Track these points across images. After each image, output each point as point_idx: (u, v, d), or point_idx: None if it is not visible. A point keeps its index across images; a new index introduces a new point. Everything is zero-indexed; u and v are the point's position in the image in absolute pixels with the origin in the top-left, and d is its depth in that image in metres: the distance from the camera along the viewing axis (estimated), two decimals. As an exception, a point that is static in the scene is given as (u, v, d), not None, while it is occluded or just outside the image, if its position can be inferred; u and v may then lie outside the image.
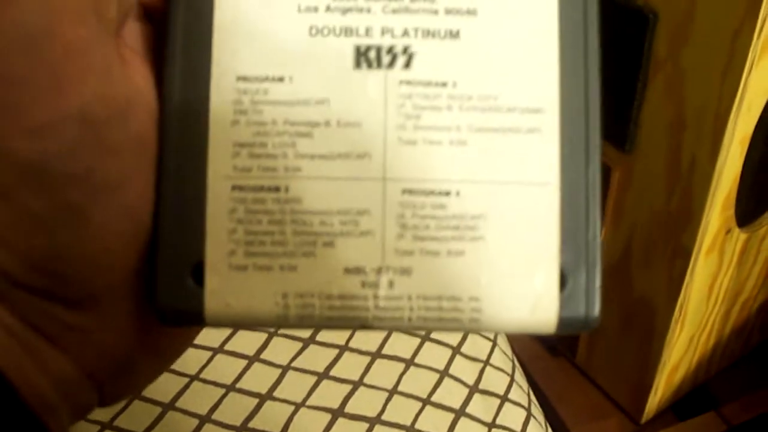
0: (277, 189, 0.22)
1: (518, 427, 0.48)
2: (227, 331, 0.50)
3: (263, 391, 0.47)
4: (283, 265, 0.22)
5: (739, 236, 0.93)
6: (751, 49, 0.72)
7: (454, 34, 0.23)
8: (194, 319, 0.23)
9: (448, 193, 0.22)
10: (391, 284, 0.22)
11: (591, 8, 0.23)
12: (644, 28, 0.80)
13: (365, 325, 0.22)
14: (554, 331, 0.22)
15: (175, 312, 0.22)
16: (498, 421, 0.47)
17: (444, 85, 0.23)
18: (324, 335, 0.50)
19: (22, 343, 0.21)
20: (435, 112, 0.22)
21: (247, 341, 0.50)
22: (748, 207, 0.93)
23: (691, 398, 1.11)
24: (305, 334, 0.51)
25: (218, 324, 0.23)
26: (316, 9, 0.23)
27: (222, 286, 0.22)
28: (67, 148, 0.20)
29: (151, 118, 0.22)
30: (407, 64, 0.23)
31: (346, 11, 0.23)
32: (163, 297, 0.22)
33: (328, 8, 0.23)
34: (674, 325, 0.95)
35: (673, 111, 0.82)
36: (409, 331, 0.22)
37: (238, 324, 0.23)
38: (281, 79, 0.23)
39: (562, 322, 0.22)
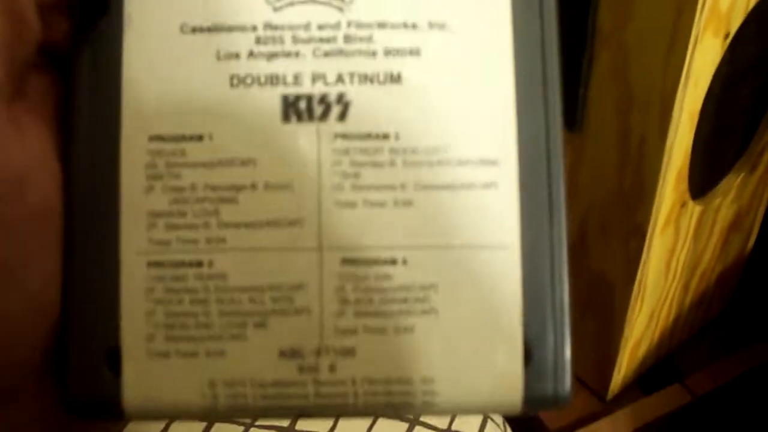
0: (199, 264, 0.20)
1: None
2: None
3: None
4: (210, 351, 0.20)
5: (694, 209, 0.92)
6: (695, 25, 0.70)
7: (395, 78, 0.20)
8: (111, 412, 0.20)
9: (393, 262, 0.20)
10: (332, 368, 0.20)
11: (549, 34, 0.20)
12: (588, 3, 0.78)
13: (304, 414, 0.20)
14: (519, 411, 0.20)
15: (89, 405, 0.20)
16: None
17: (385, 137, 0.20)
18: (305, 424, 0.47)
19: None
20: (376, 169, 0.20)
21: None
22: (701, 179, 0.92)
23: (655, 372, 1.11)
24: (284, 422, 0.47)
25: (139, 417, 0.20)
26: (237, 55, 0.20)
27: (141, 375, 0.20)
28: None
29: (54, 189, 0.19)
30: (342, 115, 0.20)
31: (271, 56, 0.20)
32: (75, 388, 0.20)
33: (251, 54, 0.20)
34: (634, 302, 0.95)
35: (620, 88, 0.81)
36: (355, 417, 0.20)
37: (162, 416, 0.20)
38: (200, 138, 0.20)
39: (529, 401, 0.20)
